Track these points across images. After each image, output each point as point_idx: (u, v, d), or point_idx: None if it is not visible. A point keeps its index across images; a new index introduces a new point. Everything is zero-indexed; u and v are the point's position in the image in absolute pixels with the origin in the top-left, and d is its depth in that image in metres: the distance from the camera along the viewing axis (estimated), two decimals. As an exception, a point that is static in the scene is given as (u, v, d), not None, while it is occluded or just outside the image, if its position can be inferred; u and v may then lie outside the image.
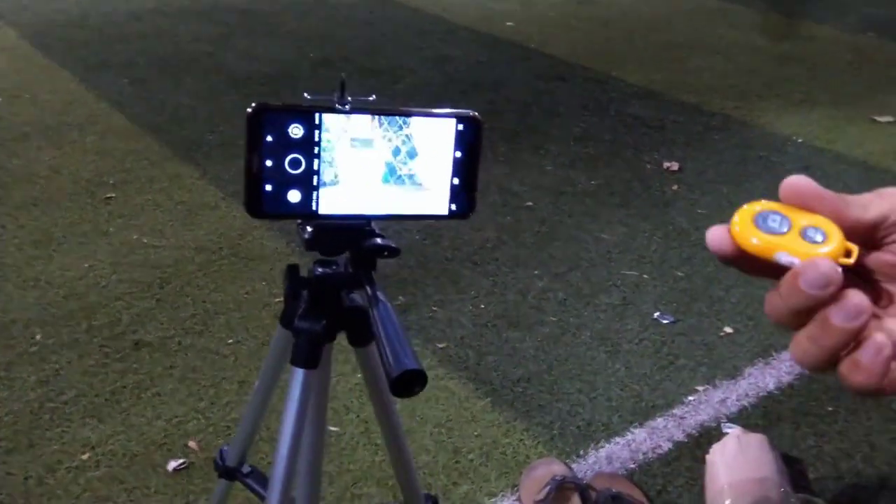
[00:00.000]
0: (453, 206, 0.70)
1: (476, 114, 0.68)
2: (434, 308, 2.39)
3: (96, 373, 2.04)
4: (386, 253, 0.70)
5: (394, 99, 4.00)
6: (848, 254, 0.41)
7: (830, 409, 2.07)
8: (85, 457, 1.79)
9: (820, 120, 3.97)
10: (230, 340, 2.20)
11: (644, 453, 1.90)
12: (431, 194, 0.69)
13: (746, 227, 0.42)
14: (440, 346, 2.23)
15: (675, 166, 3.37)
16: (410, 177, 0.68)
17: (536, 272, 2.59)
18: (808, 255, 0.40)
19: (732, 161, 3.48)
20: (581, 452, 1.89)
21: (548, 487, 1.70)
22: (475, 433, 1.93)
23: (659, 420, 2.00)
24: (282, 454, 0.74)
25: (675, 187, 3.21)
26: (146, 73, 4.15)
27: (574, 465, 1.84)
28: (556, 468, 1.77)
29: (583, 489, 1.71)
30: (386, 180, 0.68)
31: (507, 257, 2.68)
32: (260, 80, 4.16)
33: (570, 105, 4.04)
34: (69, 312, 2.27)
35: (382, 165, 0.68)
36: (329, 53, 4.63)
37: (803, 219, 0.42)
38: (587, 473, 1.81)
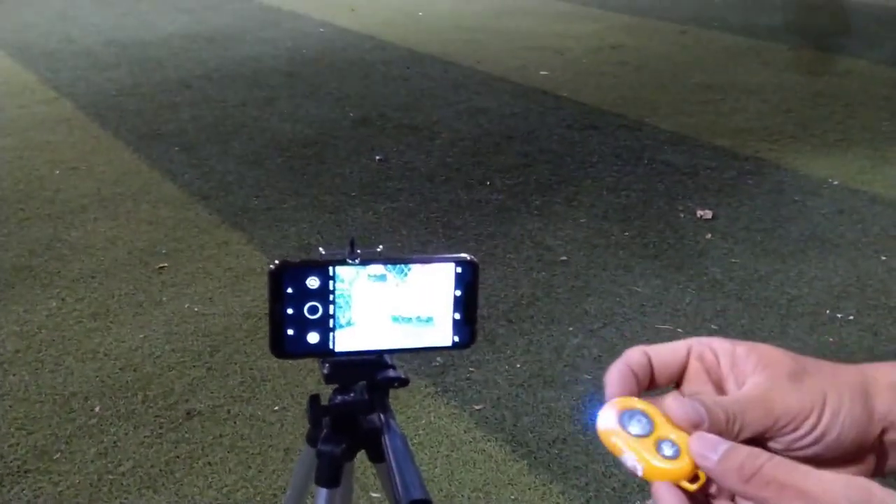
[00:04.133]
0: (456, 339, 0.78)
1: (472, 257, 0.76)
2: (471, 369, 2.47)
3: (151, 444, 2.16)
4: (397, 384, 0.78)
5: (431, 155, 4.12)
6: (695, 479, 0.42)
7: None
8: (142, 528, 1.90)
9: (856, 160, 3.97)
10: (276, 407, 2.30)
11: (678, 514, 1.93)
12: (436, 329, 0.77)
13: (610, 422, 0.44)
14: (477, 407, 2.30)
15: (708, 214, 3.41)
16: (416, 315, 0.77)
17: (571, 328, 2.65)
18: (650, 467, 0.43)
19: (766, 207, 3.50)
20: (616, 514, 1.93)
21: (582, 552, 1.75)
22: (512, 497, 1.99)
23: (693, 480, 2.04)
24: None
25: (708, 236, 3.25)
26: (195, 140, 4.35)
27: (609, 528, 1.88)
28: (591, 532, 1.82)
29: (616, 553, 1.75)
30: (395, 320, 0.77)
31: (542, 314, 2.74)
32: (303, 141, 4.33)
33: (602, 154, 4.11)
34: (126, 384, 2.40)
35: (391, 307, 0.76)
36: (368, 112, 4.78)
37: (666, 428, 0.43)
38: (621, 536, 1.85)
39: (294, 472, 0.93)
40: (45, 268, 3.07)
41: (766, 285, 2.89)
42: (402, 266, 0.76)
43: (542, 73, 5.50)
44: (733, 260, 3.06)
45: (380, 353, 0.79)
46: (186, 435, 2.19)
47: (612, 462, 2.09)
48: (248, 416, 2.26)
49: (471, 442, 2.17)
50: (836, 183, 3.72)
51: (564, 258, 3.11)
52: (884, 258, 3.06)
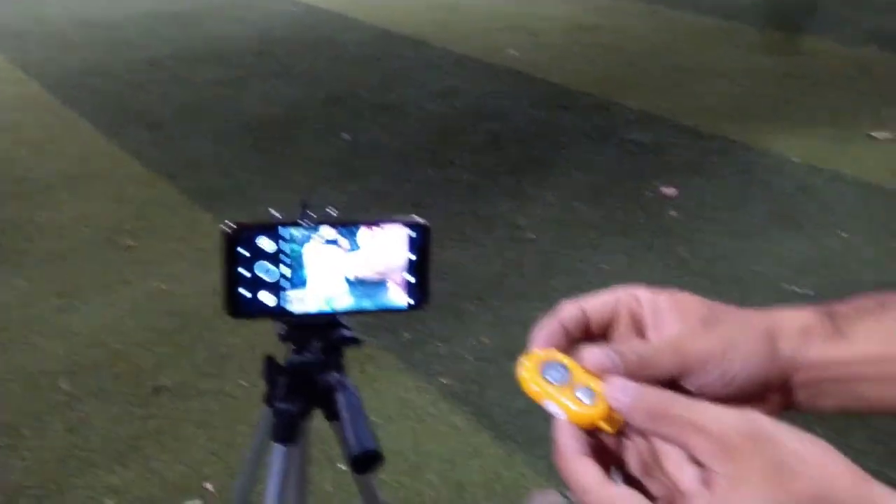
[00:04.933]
0: (411, 301, 0.81)
1: (424, 221, 0.79)
2: (438, 344, 2.50)
3: (120, 420, 2.17)
4: (350, 344, 0.81)
5: (402, 134, 4.13)
6: (610, 420, 0.44)
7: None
8: (110, 502, 1.91)
9: (819, 139, 4.03)
10: (243, 382, 2.31)
11: (640, 482, 1.98)
12: (390, 291, 0.80)
13: (531, 372, 0.47)
14: (444, 381, 2.33)
15: (674, 193, 3.45)
16: (370, 277, 0.79)
17: (538, 305, 2.68)
18: (570, 411, 0.45)
19: (732, 185, 3.56)
20: (579, 483, 1.97)
21: (545, 519, 1.79)
22: (478, 467, 2.02)
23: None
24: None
25: (674, 214, 3.29)
26: (164, 119, 4.32)
27: (570, 495, 1.92)
28: (552, 499, 1.86)
29: (579, 520, 1.79)
30: (349, 281, 0.79)
31: (511, 291, 2.78)
32: (273, 121, 4.31)
33: (572, 134, 4.15)
34: (94, 361, 2.40)
35: (345, 268, 0.79)
36: (339, 91, 4.77)
37: (582, 376, 0.46)
38: (584, 504, 1.89)
39: (254, 433, 0.95)
40: (13, 247, 3.05)
41: (731, 262, 2.94)
42: (355, 228, 0.78)
43: (514, 53, 5.52)
44: (699, 238, 3.11)
45: (334, 314, 0.81)
46: (154, 411, 2.21)
47: (577, 433, 2.13)
48: (216, 392, 2.28)
49: (437, 415, 2.20)
50: (799, 162, 3.78)
51: (533, 237, 3.14)
52: (844, 235, 3.13)
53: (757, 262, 2.94)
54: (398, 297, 0.80)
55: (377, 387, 2.30)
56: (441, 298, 2.73)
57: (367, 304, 0.80)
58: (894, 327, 0.52)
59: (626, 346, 0.49)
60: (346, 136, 4.09)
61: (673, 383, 0.49)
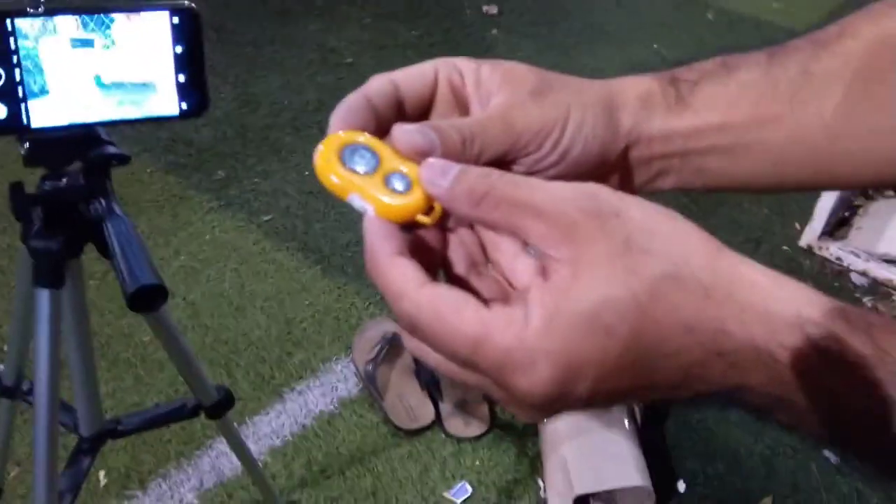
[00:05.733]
0: (184, 105, 0.66)
1: (191, 5, 0.63)
2: (256, 180, 2.34)
3: None
4: (115, 162, 0.66)
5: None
6: (429, 210, 0.37)
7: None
8: None
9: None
10: None
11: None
12: (157, 95, 0.65)
13: (330, 160, 0.38)
14: (265, 218, 2.20)
15: (494, 10, 3.34)
16: (130, 79, 0.64)
17: (360, 132, 2.56)
18: (381, 204, 0.37)
19: (549, 1, 3.49)
20: (411, 308, 1.95)
21: (379, 346, 1.76)
22: (307, 302, 1.95)
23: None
24: (41, 377, 0.72)
25: (494, 31, 3.20)
26: None
27: (404, 321, 1.90)
28: (387, 327, 1.84)
29: (412, 343, 1.78)
30: (102, 85, 0.63)
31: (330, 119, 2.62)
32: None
33: (386, -50, 3.88)
34: None
35: (96, 69, 0.63)
36: None
37: (394, 161, 0.38)
38: (417, 327, 1.88)
39: (17, 279, 0.80)
40: None
41: (551, 78, 2.92)
42: (103, 17, 0.62)
43: None
44: (519, 54, 3.05)
45: (90, 127, 0.66)
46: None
47: (406, 259, 2.09)
48: None
49: (261, 253, 2.08)
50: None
51: (350, 60, 2.96)
52: (655, 46, 3.17)
53: (576, 76, 2.93)
54: (168, 103, 0.66)
55: (193, 230, 2.14)
56: (255, 131, 2.55)
57: (130, 112, 0.65)
58: (738, 91, 0.45)
59: (446, 122, 0.39)
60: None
61: (500, 165, 0.41)
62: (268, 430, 1.67)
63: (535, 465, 1.61)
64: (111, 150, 0.65)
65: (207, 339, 1.83)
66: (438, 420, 1.69)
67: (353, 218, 2.21)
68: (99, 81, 0.63)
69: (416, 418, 1.68)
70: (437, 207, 0.38)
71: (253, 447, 1.63)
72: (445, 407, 1.70)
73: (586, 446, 1.52)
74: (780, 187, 0.48)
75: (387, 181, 0.37)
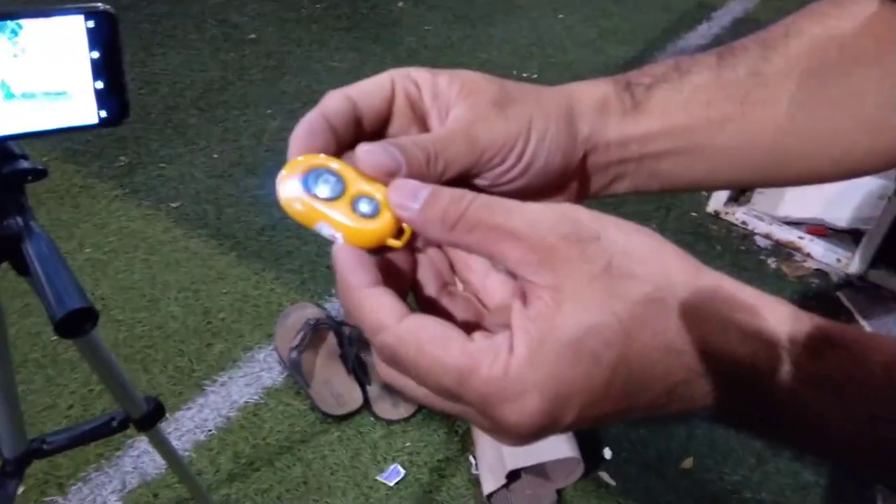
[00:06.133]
0: (103, 113, 0.62)
1: (107, 7, 0.59)
2: (162, 165, 2.25)
3: None
4: (31, 177, 0.62)
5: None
6: (399, 233, 0.37)
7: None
8: None
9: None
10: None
11: (392, 281, 1.97)
12: (74, 104, 0.61)
13: (293, 187, 0.36)
14: (174, 205, 2.12)
15: (399, -19, 3.29)
16: (43, 88, 0.60)
17: (269, 111, 2.50)
18: (350, 231, 0.36)
19: (455, -30, 3.46)
20: (333, 292, 1.93)
21: (302, 332, 1.74)
22: (223, 291, 1.90)
23: (403, 247, 2.07)
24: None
25: (400, 4, 3.16)
26: None
27: (327, 305, 1.88)
28: (310, 312, 1.81)
29: (336, 328, 1.77)
30: (12, 96, 0.59)
31: (236, 98, 2.54)
32: None
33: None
34: None
35: (4, 79, 0.58)
36: None
37: (360, 183, 0.37)
38: (340, 311, 1.87)
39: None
40: None
41: (459, 50, 2.91)
42: (10, 24, 0.57)
43: None
44: (426, 27, 3.02)
45: (0, 141, 0.62)
46: None
47: (325, 242, 2.05)
48: None
49: (171, 241, 2.01)
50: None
51: (254, 36, 2.87)
52: (561, 16, 3.20)
53: (483, 49, 2.93)
54: (86, 111, 0.62)
55: (97, 221, 2.05)
56: (157, 114, 2.44)
57: (44, 123, 0.61)
58: (691, 94, 0.46)
59: (408, 139, 0.38)
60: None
61: (463, 180, 0.41)
62: (191, 424, 1.63)
63: (466, 443, 1.63)
64: (25, 164, 0.61)
65: (120, 335, 1.77)
66: (367, 403, 1.68)
67: (268, 201, 2.16)
68: (8, 93, 0.58)
69: (344, 403, 1.67)
70: (408, 230, 0.37)
71: (176, 443, 1.58)
72: (373, 390, 1.69)
73: (515, 422, 1.54)
74: (733, 186, 0.49)
75: (354, 205, 0.36)
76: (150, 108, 2.45)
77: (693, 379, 0.33)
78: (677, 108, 0.45)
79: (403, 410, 1.67)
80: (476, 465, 1.58)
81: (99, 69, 0.61)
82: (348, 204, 0.36)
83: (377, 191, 0.37)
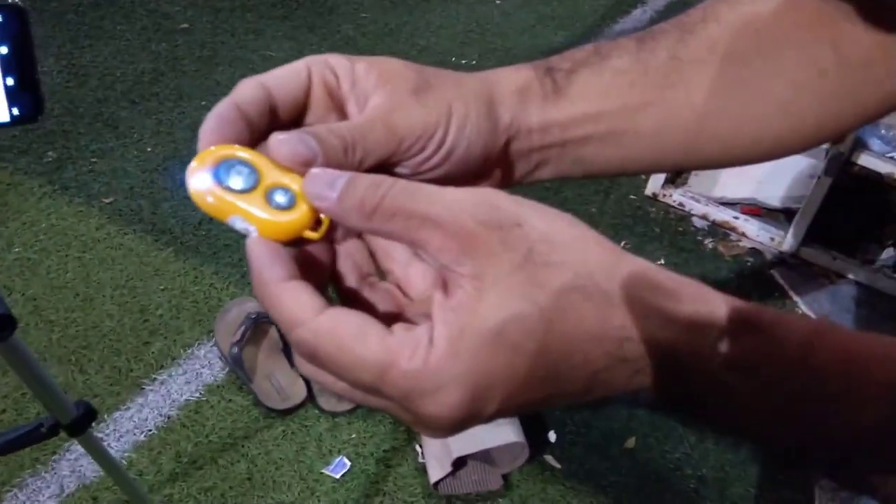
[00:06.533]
0: (15, 111, 0.60)
1: (16, 2, 0.57)
2: (93, 160, 2.19)
3: None
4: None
5: None
6: (317, 225, 0.36)
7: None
8: None
9: None
10: None
11: (334, 272, 1.96)
12: (-17, 101, 0.59)
13: (204, 179, 0.35)
14: (107, 201, 2.07)
15: (334, -32, 3.25)
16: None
17: (203, 103, 2.44)
18: (265, 223, 0.35)
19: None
20: (273, 284, 1.90)
21: (243, 327, 1.71)
22: (161, 287, 1.86)
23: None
24: None
25: (336, -9, 3.12)
26: None
27: (267, 298, 1.85)
28: (250, 306, 1.78)
29: (277, 321, 1.74)
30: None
31: (169, 90, 2.48)
32: None
33: None
34: None
35: None
36: None
37: (275, 174, 0.36)
38: (281, 304, 1.84)
39: None
40: None
41: (397, 38, 2.89)
42: None
43: None
44: (363, 15, 2.99)
45: None
46: None
47: (264, 234, 2.02)
48: None
49: (105, 238, 1.96)
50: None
51: (186, 25, 2.80)
52: (498, 2, 3.20)
53: (422, 36, 2.92)
54: (-2, 109, 0.60)
55: (26, 219, 1.98)
56: (86, 107, 2.37)
57: (-48, 122, 0.58)
58: (611, 79, 0.46)
59: (324, 127, 0.37)
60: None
61: (382, 168, 0.40)
62: (130, 425, 1.59)
63: (411, 433, 1.63)
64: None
65: (54, 336, 1.72)
66: (311, 396, 1.67)
67: (203, 194, 2.12)
68: None
69: (288, 397, 1.66)
70: (325, 221, 0.36)
71: (115, 445, 1.55)
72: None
73: (460, 409, 1.54)
74: (655, 169, 0.50)
75: (268, 197, 0.35)
76: (79, 102, 2.38)
77: (614, 365, 0.33)
78: (597, 94, 0.45)
79: (348, 402, 1.66)
80: (422, 454, 1.58)
81: (8, 65, 0.59)
82: (262, 196, 0.35)
83: (293, 181, 0.36)
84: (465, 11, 3.10)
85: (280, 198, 0.35)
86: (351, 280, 0.40)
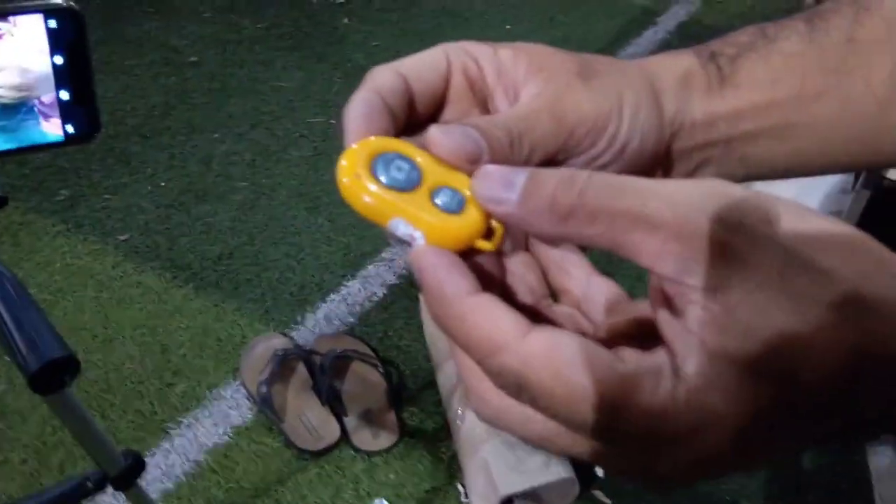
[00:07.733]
0: (69, 128, 0.54)
1: (71, 4, 0.51)
2: (107, 196, 2.13)
3: None
4: (-9, 206, 0.53)
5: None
6: (489, 233, 0.30)
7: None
8: None
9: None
10: None
11: (360, 304, 1.89)
12: (36, 119, 0.52)
13: (359, 176, 0.29)
14: (122, 238, 2.00)
15: (341, -3, 3.23)
16: (3, 98, 0.51)
17: (216, 135, 2.39)
18: (434, 228, 0.29)
19: (397, -15, 3.41)
20: (299, 319, 1.84)
21: (270, 365, 1.64)
22: (182, 325, 1.79)
23: (370, 268, 1.99)
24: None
25: (345, 21, 3.09)
26: None
27: (294, 334, 1.79)
28: (276, 342, 1.71)
29: (306, 357, 1.67)
30: (-40, 111, 0.50)
31: (180, 124, 2.43)
32: None
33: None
34: None
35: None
36: None
37: (440, 172, 0.30)
38: (309, 339, 1.77)
39: None
40: None
41: (409, 65, 2.84)
42: (-46, 24, 0.48)
43: None
44: (374, 43, 2.95)
45: (-52, 166, 0.52)
46: None
47: (286, 266, 1.96)
48: None
49: (122, 277, 1.89)
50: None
51: (195, 59, 2.76)
52: (508, 27, 3.17)
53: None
54: (50, 125, 0.53)
55: (41, 259, 1.91)
56: (97, 143, 2.31)
57: (5, 141, 0.52)
58: (782, 64, 0.40)
59: (484, 119, 0.31)
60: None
61: (548, 167, 0.34)
62: (157, 473, 1.51)
63: (453, 471, 1.55)
64: (-20, 192, 0.52)
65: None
66: (345, 436, 1.59)
67: (222, 228, 2.05)
68: (-43, 107, 0.49)
69: (321, 437, 1.57)
70: (499, 228, 0.30)
71: (143, 494, 1.47)
72: (351, 420, 1.60)
73: (506, 445, 1.47)
74: (825, 170, 0.43)
75: (434, 198, 0.29)
76: (90, 138, 2.32)
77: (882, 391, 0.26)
78: (767, 81, 0.39)
79: (385, 440, 1.58)
80: (465, 493, 1.50)
81: (63, 77, 0.52)
82: (427, 196, 0.29)
83: (459, 181, 0.30)
84: (476, 37, 3.05)
85: (446, 199, 0.30)
86: (525, 301, 0.33)
